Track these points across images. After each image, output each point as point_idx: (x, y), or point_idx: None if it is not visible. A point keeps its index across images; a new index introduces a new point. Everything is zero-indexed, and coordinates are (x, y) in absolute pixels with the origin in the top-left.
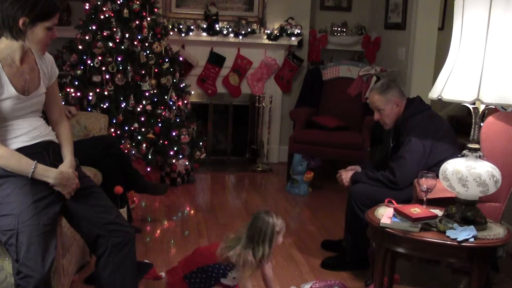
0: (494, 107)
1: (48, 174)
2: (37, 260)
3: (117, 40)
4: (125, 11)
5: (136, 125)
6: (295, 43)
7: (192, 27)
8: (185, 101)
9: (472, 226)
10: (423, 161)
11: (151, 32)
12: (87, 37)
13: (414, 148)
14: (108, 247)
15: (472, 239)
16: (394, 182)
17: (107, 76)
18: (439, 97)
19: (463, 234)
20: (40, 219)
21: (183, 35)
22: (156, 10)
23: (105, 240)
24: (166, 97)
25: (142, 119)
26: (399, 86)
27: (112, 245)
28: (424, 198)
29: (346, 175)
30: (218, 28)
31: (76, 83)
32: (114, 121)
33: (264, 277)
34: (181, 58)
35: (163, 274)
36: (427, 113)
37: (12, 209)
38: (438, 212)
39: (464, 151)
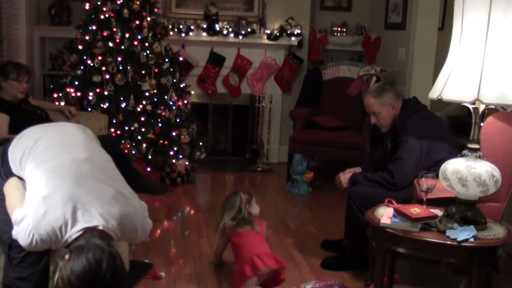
0: (494, 107)
1: None
2: (33, 267)
3: (117, 40)
4: (125, 11)
5: (136, 125)
6: (295, 43)
7: (192, 27)
8: (185, 101)
9: (472, 226)
10: (421, 162)
11: (151, 32)
12: (87, 37)
13: (411, 149)
14: None
15: (472, 239)
16: (392, 183)
17: (107, 76)
18: (439, 97)
19: (463, 234)
20: None
21: (183, 35)
22: (156, 10)
23: None
24: (166, 97)
25: (142, 119)
26: (395, 87)
27: None
28: (424, 198)
29: (344, 177)
30: (218, 28)
31: (76, 83)
32: (114, 121)
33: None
34: (181, 58)
35: (163, 274)
36: (423, 114)
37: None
38: (438, 212)
39: (464, 151)
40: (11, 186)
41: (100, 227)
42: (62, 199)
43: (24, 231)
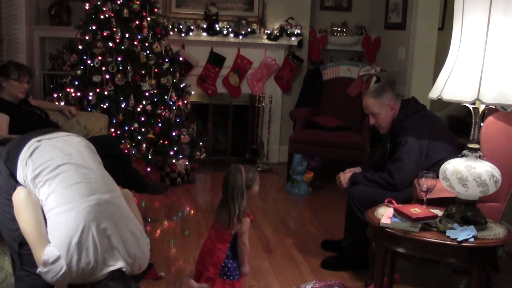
0: (494, 107)
1: None
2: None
3: (117, 40)
4: (125, 11)
5: (136, 125)
6: (295, 43)
7: (192, 27)
8: (185, 101)
9: (472, 226)
10: (420, 162)
11: (151, 32)
12: (87, 37)
13: (411, 149)
14: None
15: (472, 239)
16: (392, 184)
17: (107, 76)
18: (439, 97)
19: (463, 234)
20: None
21: (183, 35)
22: (156, 10)
23: None
24: (166, 97)
25: (142, 119)
26: (394, 88)
27: None
28: (424, 198)
29: (344, 177)
30: (218, 28)
31: (76, 83)
32: (114, 121)
33: (240, 238)
34: (181, 58)
35: (163, 274)
36: (422, 114)
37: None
38: (438, 212)
39: (464, 151)
40: (24, 205)
41: (123, 269)
42: (94, 244)
43: (56, 272)
